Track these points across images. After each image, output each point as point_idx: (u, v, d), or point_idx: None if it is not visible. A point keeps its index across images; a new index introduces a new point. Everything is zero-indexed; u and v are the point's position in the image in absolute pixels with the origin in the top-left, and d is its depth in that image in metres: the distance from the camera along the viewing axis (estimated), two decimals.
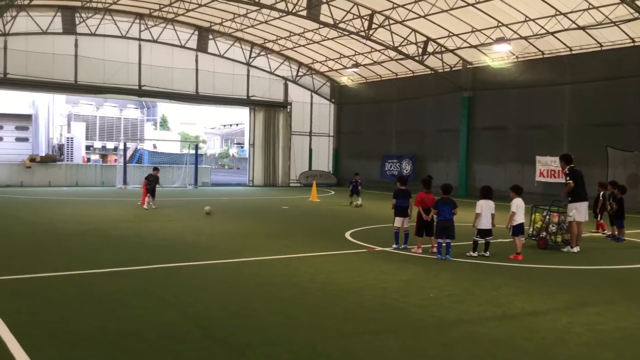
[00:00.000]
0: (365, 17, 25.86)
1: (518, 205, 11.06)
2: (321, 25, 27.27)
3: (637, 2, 19.30)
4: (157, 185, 19.53)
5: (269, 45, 33.95)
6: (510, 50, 25.58)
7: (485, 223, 10.81)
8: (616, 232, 13.98)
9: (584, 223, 12.35)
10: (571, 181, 12.00)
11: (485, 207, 10.85)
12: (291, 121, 36.34)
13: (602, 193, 14.76)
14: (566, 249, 11.92)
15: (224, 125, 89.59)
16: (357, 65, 32.20)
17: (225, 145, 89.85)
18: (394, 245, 11.61)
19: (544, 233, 12.25)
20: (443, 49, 27.99)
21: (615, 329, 6.48)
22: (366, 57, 31.84)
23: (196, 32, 32.13)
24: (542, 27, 23.36)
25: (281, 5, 24.55)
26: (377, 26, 26.26)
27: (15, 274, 8.60)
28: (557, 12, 22.09)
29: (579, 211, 11.96)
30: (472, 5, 22.78)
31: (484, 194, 11.09)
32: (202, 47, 32.37)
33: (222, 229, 14.68)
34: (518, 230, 10.95)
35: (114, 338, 5.72)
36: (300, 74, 36.33)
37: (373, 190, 31.33)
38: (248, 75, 34.76)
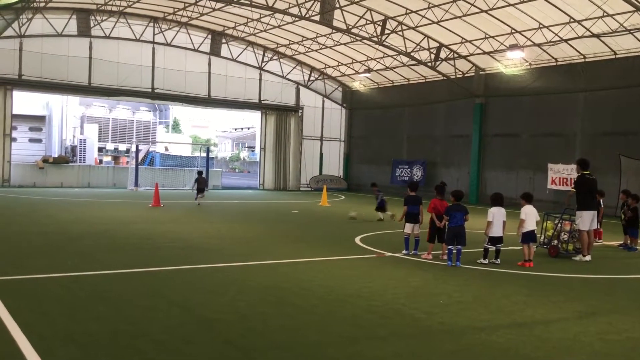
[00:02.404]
0: (378, 23, 25.88)
1: (527, 212, 11.02)
2: (334, 31, 27.29)
3: None
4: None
5: (282, 49, 34.06)
6: (523, 57, 25.47)
7: (496, 230, 10.77)
8: (629, 242, 13.86)
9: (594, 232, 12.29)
10: (573, 189, 12.32)
11: (496, 215, 10.81)
12: (302, 125, 36.37)
13: (601, 200, 14.52)
14: (578, 257, 11.85)
15: (235, 129, 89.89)
16: (369, 70, 32.20)
17: (236, 148, 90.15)
18: (404, 251, 11.59)
19: (556, 241, 12.18)
20: (456, 55, 27.94)
21: (627, 339, 6.43)
22: (378, 62, 31.83)
23: (209, 36, 32.29)
24: (556, 35, 23.25)
25: (294, 10, 24.62)
26: (389, 32, 26.26)
27: (27, 274, 8.69)
28: (571, 20, 21.99)
29: (583, 220, 11.89)
30: (486, 11, 22.73)
31: (494, 201, 11.05)
32: (215, 51, 32.50)
33: (232, 232, 14.72)
34: (528, 237, 10.90)
35: (124, 339, 5.75)
36: (312, 78, 36.39)
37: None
38: (260, 79, 34.86)
